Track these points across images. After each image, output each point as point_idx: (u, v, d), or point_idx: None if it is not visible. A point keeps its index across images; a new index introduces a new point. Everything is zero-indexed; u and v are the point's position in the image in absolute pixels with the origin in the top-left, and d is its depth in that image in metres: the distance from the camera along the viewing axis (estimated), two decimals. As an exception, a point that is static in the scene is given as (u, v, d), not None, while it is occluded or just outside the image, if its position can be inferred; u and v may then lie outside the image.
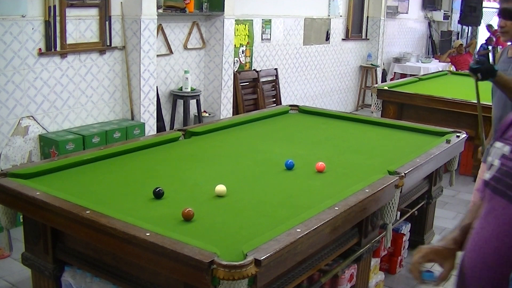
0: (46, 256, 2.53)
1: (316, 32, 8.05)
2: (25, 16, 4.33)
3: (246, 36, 6.74)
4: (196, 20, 6.00)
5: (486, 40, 12.39)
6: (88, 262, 2.39)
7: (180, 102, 5.86)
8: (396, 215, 3.26)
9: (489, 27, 12.54)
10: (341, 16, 8.53)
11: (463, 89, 5.62)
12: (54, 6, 4.48)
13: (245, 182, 2.77)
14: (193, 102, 5.96)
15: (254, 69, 6.92)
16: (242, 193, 2.60)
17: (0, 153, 4.35)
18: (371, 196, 2.56)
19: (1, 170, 2.74)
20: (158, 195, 2.45)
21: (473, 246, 1.46)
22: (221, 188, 2.52)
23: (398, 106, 5.66)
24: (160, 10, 5.33)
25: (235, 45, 6.39)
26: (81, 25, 4.77)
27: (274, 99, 7.29)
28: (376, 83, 8.84)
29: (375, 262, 3.16)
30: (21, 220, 2.86)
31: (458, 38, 12.32)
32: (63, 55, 4.67)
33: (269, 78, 7.23)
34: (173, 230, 2.08)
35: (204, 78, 6.27)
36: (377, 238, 2.92)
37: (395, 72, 10.06)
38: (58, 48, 4.61)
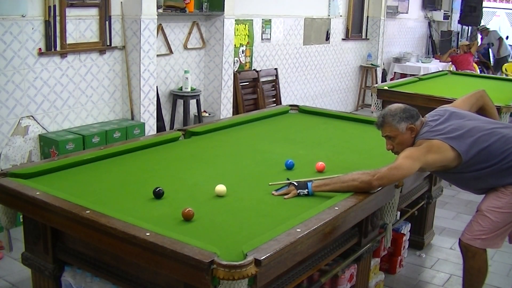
0: (46, 256, 2.53)
1: (316, 32, 8.05)
2: (25, 16, 4.33)
3: (246, 36, 6.74)
4: (196, 20, 6.00)
5: (482, 39, 12.40)
6: (88, 262, 2.38)
7: (180, 102, 5.86)
8: (396, 215, 3.26)
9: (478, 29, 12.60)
10: (341, 16, 8.53)
11: (463, 89, 5.60)
12: (54, 6, 4.49)
13: (245, 182, 2.77)
14: (193, 102, 5.96)
15: (254, 69, 6.92)
16: (242, 193, 2.60)
17: (0, 153, 4.35)
18: (371, 196, 2.56)
19: (1, 170, 2.74)
20: (158, 195, 2.45)
21: None
22: (221, 188, 2.52)
23: (398, 106, 5.63)
24: (160, 10, 5.33)
25: (235, 45, 6.39)
26: (81, 25, 4.78)
27: (274, 99, 7.29)
28: (376, 83, 8.84)
29: (375, 262, 3.16)
30: (21, 220, 2.86)
31: (458, 38, 12.34)
32: (63, 55, 4.67)
33: (269, 78, 7.23)
34: (173, 230, 2.07)
35: (204, 78, 6.27)
36: (377, 238, 2.92)
37: (395, 72, 10.07)
38: (58, 48, 4.61)
